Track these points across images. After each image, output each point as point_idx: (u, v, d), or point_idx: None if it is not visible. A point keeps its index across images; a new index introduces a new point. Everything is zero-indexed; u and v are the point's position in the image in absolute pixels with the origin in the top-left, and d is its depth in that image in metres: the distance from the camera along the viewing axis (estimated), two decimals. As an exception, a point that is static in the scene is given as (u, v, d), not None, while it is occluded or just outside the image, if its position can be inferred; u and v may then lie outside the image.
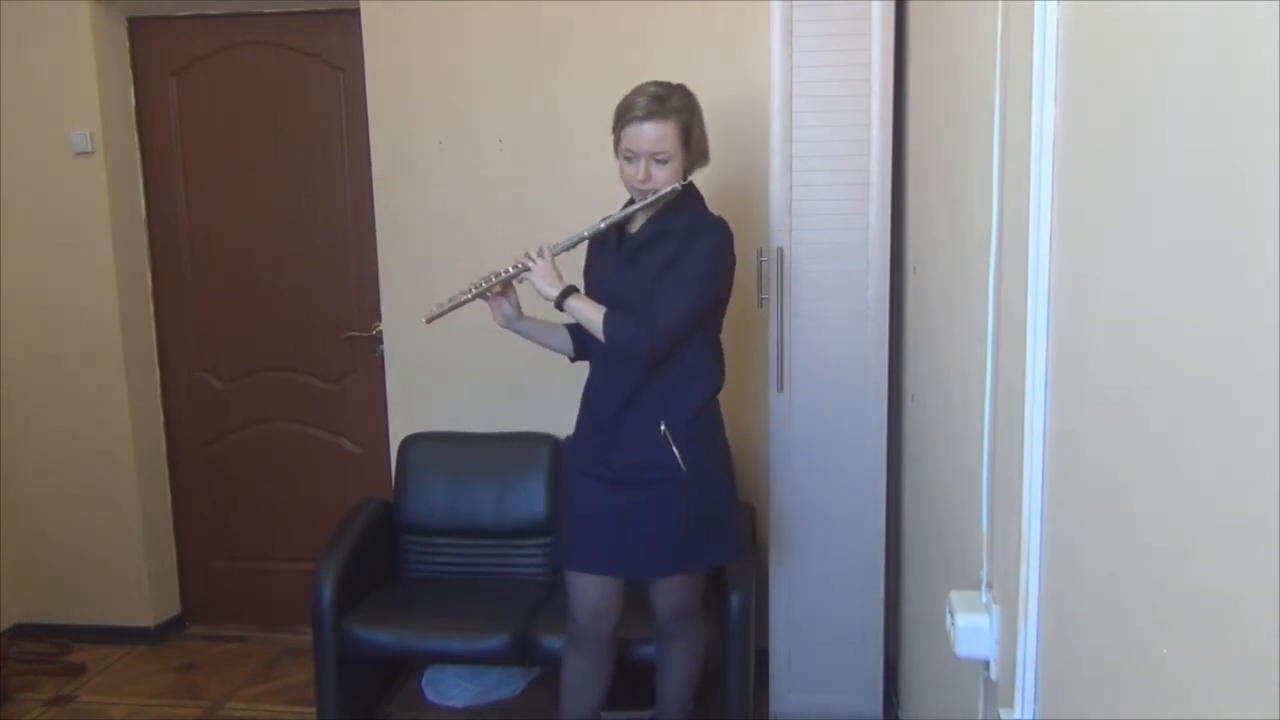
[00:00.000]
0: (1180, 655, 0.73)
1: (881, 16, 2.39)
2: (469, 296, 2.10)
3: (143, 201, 3.30)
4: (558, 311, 2.09)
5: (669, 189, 2.02)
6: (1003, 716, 1.19)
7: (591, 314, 2.03)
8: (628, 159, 2.04)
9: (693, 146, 2.06)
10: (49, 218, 3.17)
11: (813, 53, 2.42)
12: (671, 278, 2.02)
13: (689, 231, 2.05)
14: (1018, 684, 1.15)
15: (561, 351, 2.27)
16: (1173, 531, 0.75)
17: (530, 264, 2.06)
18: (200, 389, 3.38)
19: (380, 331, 3.17)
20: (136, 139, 3.27)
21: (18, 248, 3.20)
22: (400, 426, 3.09)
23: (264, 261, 3.28)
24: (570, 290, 2.06)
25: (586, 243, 2.14)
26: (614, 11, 2.85)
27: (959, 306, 1.70)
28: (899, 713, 2.59)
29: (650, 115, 1.98)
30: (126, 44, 3.23)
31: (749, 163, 2.79)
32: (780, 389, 2.55)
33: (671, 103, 2.01)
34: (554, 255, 2.07)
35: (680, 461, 2.05)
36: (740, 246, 2.91)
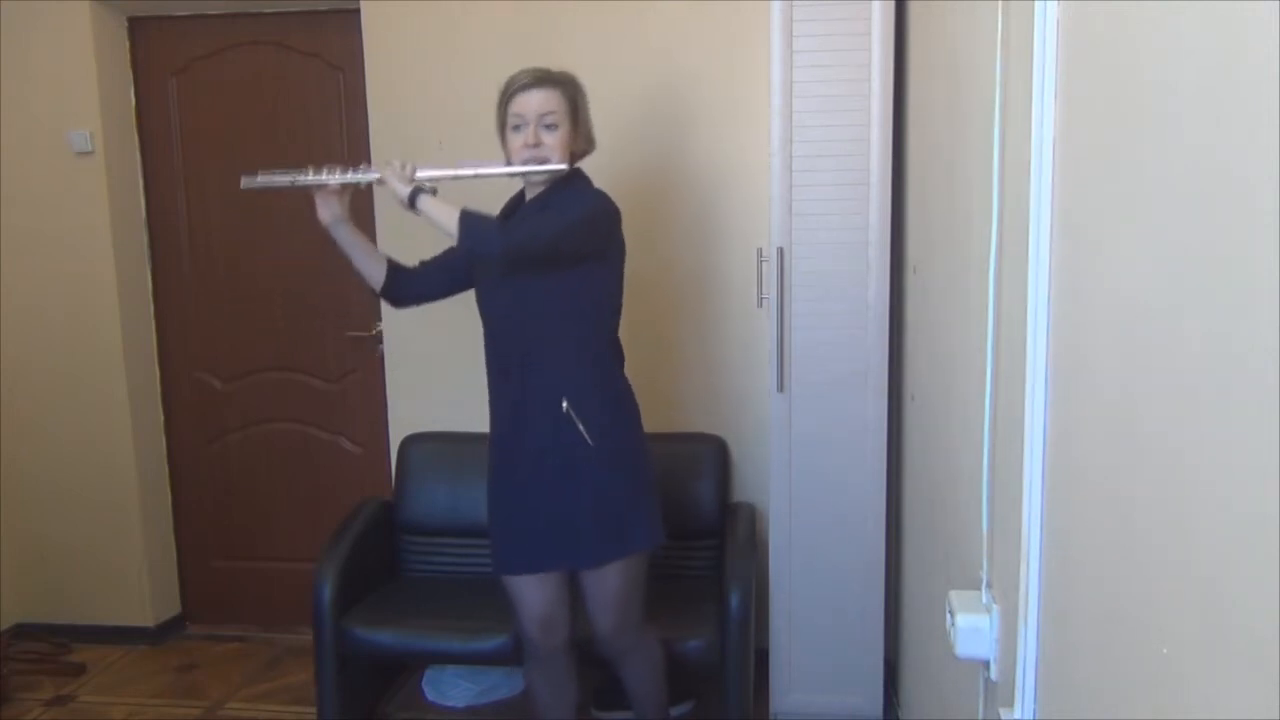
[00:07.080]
0: (1180, 655, 0.73)
1: (881, 16, 2.39)
2: (305, 179, 2.05)
3: (143, 201, 3.30)
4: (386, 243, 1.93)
5: (556, 167, 1.99)
6: (1003, 716, 1.19)
7: (446, 212, 1.93)
8: (515, 128, 2.00)
9: (580, 125, 2.05)
10: (49, 218, 3.17)
11: (813, 53, 2.42)
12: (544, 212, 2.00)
13: (571, 194, 2.03)
14: (1018, 684, 1.15)
15: (371, 279, 2.20)
16: (1173, 531, 0.75)
17: (387, 173, 2.00)
18: (200, 389, 3.38)
19: (380, 331, 3.17)
20: (136, 139, 3.27)
21: (18, 248, 3.20)
22: (400, 426, 3.09)
23: (264, 261, 3.27)
24: (424, 189, 1.97)
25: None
26: (614, 12, 2.85)
27: (959, 306, 1.70)
28: (899, 713, 2.59)
29: (537, 82, 1.99)
30: (126, 44, 3.23)
31: (749, 164, 2.79)
32: (780, 389, 2.55)
33: (556, 75, 2.02)
34: (412, 175, 2.00)
35: (586, 437, 2.02)
36: (740, 246, 2.90)
